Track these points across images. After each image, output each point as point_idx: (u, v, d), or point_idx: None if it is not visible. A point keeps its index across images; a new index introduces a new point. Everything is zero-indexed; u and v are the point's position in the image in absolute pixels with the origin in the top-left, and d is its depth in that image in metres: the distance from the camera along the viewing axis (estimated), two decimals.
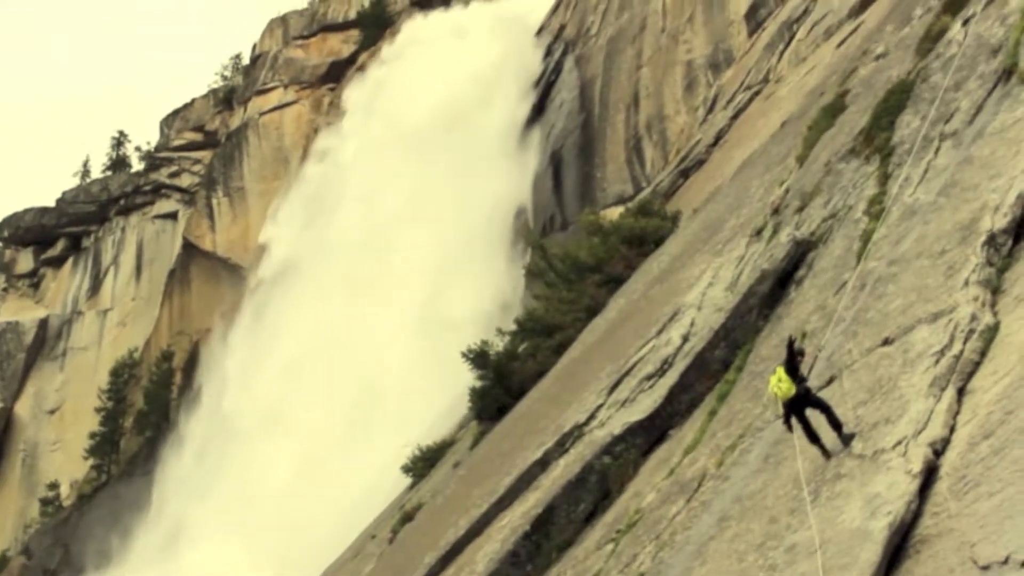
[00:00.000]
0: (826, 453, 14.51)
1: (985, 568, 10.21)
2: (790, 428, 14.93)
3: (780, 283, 22.83)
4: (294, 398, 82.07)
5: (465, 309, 70.97)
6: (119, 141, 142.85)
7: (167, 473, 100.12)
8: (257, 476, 77.87)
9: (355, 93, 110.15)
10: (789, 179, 27.75)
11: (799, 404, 14.62)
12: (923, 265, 16.93)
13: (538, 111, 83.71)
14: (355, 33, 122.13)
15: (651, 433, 22.87)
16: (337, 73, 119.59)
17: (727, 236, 29.06)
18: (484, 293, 72.24)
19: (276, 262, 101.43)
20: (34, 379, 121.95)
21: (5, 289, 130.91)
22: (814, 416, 14.62)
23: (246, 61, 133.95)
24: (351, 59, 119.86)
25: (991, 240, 16.00)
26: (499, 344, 44.84)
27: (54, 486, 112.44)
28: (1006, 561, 10.00)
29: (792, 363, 14.66)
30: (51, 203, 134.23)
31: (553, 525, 22.47)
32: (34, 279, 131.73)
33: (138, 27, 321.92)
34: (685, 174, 55.47)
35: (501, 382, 41.28)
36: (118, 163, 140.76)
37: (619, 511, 20.87)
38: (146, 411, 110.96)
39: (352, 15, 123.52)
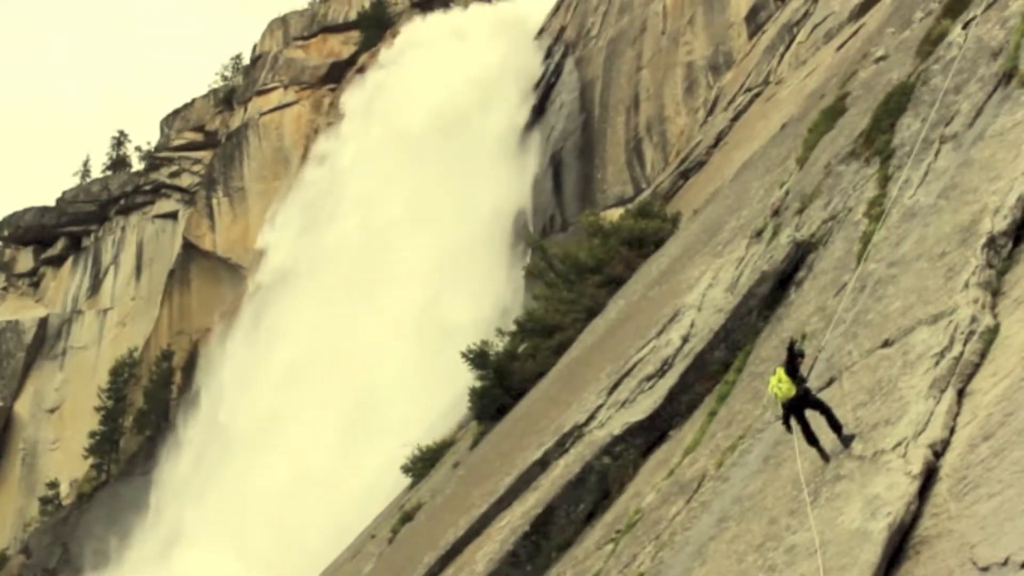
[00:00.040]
0: (824, 456, 14.53)
1: (985, 569, 10.24)
2: (789, 429, 14.95)
3: (780, 284, 22.87)
4: (292, 404, 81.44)
5: (465, 315, 70.62)
6: (119, 141, 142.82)
7: (165, 476, 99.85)
8: (254, 482, 77.46)
9: (353, 97, 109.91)
10: (789, 181, 27.78)
11: (799, 405, 14.64)
12: (923, 267, 16.97)
13: (538, 113, 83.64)
14: (355, 34, 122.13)
15: (651, 434, 22.91)
16: (337, 74, 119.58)
17: (727, 237, 29.09)
18: (484, 299, 71.83)
19: (274, 267, 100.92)
20: (34, 378, 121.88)
21: (5, 288, 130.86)
22: (814, 418, 14.64)
23: (246, 61, 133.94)
24: (351, 60, 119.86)
25: (991, 242, 16.04)
26: (499, 344, 44.85)
27: (54, 485, 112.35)
28: (1006, 562, 10.03)
29: (792, 364, 14.69)
30: (51, 202, 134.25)
31: (553, 525, 22.50)
32: (34, 278, 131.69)
33: (138, 27, 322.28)
34: (685, 175, 55.49)
35: (501, 382, 41.27)
36: (118, 163, 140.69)
37: (619, 511, 20.90)
38: (146, 410, 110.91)
39: (352, 16, 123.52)
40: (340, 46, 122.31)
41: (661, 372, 24.03)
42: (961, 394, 13.68)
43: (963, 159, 18.93)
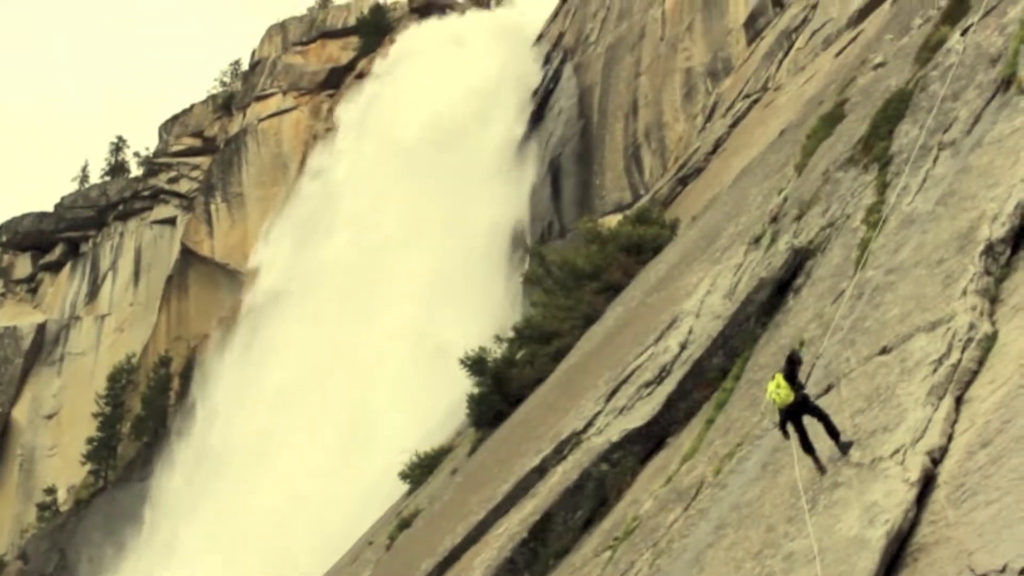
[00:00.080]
0: (820, 467, 14.49)
1: None
2: (786, 435, 14.93)
3: (778, 291, 22.85)
4: (286, 424, 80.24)
5: (461, 333, 69.91)
6: (118, 146, 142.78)
7: (159, 491, 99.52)
8: (247, 501, 76.82)
9: (348, 111, 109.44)
10: (787, 187, 27.77)
11: (797, 411, 14.62)
12: (921, 274, 16.96)
13: (536, 120, 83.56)
14: (354, 40, 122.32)
15: (649, 441, 22.88)
16: (336, 80, 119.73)
17: (725, 244, 29.08)
18: (481, 316, 70.75)
19: (266, 288, 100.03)
20: (32, 384, 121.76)
21: (3, 294, 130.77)
22: (811, 425, 14.62)
23: (245, 67, 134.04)
24: (350, 66, 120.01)
25: (989, 249, 16.03)
26: (497, 351, 44.82)
27: (51, 491, 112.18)
28: (1003, 570, 10.01)
29: (791, 370, 14.67)
30: (49, 208, 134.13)
31: (550, 532, 22.47)
32: (32, 284, 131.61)
33: (138, 27, 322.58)
34: (683, 182, 55.51)
35: (499, 389, 41.27)
36: (117, 168, 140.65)
37: (616, 518, 20.86)
38: (143, 417, 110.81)
39: (351, 22, 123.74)
40: (339, 52, 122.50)
41: (659, 379, 24.01)
42: (959, 401, 13.67)
43: (961, 166, 18.93)
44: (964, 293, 15.41)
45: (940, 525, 11.59)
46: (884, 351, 15.89)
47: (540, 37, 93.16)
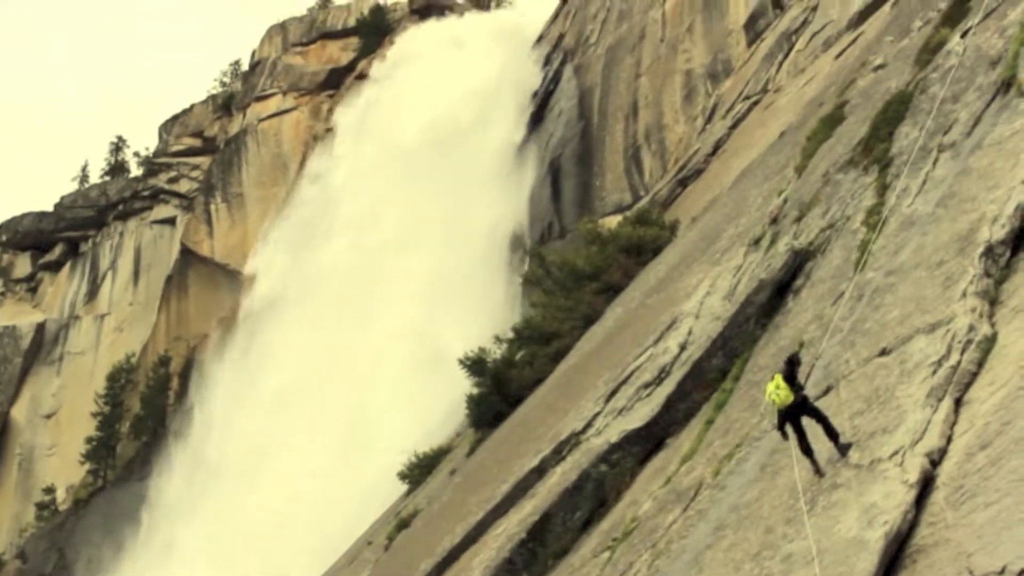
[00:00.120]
0: (818, 470, 14.48)
1: None
2: (785, 436, 14.93)
3: (778, 293, 22.85)
4: (284, 429, 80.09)
5: (460, 337, 69.55)
6: (118, 146, 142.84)
7: (159, 489, 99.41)
8: (245, 505, 76.61)
9: (346, 114, 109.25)
10: (787, 189, 27.77)
11: (796, 413, 14.61)
12: (921, 276, 16.96)
13: (536, 121, 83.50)
14: (354, 40, 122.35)
15: (648, 442, 22.87)
16: (336, 80, 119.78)
17: (725, 245, 29.08)
18: (480, 320, 70.33)
19: (264, 293, 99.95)
20: (31, 383, 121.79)
21: (3, 293, 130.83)
22: (810, 426, 14.62)
23: (245, 67, 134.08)
24: (350, 66, 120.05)
25: (989, 251, 16.03)
26: (496, 351, 44.83)
27: (50, 490, 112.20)
28: (1002, 572, 10.01)
29: (791, 372, 14.67)
30: (49, 207, 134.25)
31: (549, 533, 22.46)
32: (32, 283, 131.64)
33: (138, 27, 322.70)
34: (683, 183, 55.52)
35: (498, 389, 41.27)
36: (117, 168, 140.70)
37: (615, 519, 20.86)
38: (143, 416, 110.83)
39: (351, 23, 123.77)
40: (339, 52, 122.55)
41: (658, 380, 24.01)
42: (958, 403, 13.67)
43: (961, 168, 18.94)
44: (964, 295, 15.41)
45: (939, 527, 11.58)
46: (883, 353, 15.89)
47: (540, 38, 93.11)
